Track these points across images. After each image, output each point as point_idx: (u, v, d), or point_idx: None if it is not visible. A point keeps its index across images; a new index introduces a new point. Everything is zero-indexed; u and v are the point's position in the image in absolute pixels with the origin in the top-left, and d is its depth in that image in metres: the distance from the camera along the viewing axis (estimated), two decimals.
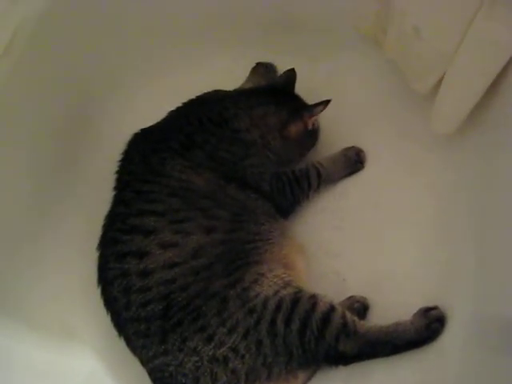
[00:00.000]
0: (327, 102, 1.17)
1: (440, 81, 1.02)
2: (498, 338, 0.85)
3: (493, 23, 0.84)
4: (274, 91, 1.23)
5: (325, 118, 1.25)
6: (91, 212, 1.12)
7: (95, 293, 1.04)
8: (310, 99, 1.21)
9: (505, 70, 0.91)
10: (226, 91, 1.25)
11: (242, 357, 0.93)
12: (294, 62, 1.28)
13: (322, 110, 1.18)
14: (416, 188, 1.20)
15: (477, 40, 0.88)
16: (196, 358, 0.93)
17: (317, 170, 1.21)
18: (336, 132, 1.29)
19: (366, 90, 1.35)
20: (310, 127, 1.21)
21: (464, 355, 0.93)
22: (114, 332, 1.01)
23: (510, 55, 0.87)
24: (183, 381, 0.93)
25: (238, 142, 1.16)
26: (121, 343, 1.01)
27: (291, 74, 1.27)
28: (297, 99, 1.25)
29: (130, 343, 1.00)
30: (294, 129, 1.20)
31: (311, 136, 1.24)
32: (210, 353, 0.92)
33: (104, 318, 1.02)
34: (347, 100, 1.33)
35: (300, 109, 1.20)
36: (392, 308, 1.03)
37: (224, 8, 1.34)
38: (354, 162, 1.25)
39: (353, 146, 1.26)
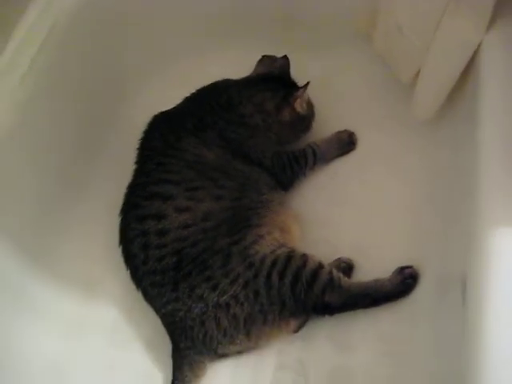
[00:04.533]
0: (307, 84, 1.26)
1: (418, 72, 1.12)
2: (458, 290, 0.94)
3: (457, 21, 0.94)
4: (270, 79, 1.32)
5: (321, 105, 1.35)
6: (116, 180, 1.24)
7: (117, 251, 1.15)
8: (309, 88, 1.30)
9: (471, 64, 1.01)
10: (233, 80, 1.34)
11: (242, 304, 1.03)
12: (297, 54, 1.38)
13: (303, 92, 1.27)
14: (401, 167, 1.29)
15: (444, 36, 0.98)
16: (202, 304, 1.03)
17: (313, 149, 1.31)
18: (331, 117, 1.38)
19: (358, 80, 1.45)
20: (298, 110, 1.29)
21: (433, 306, 1.05)
22: (132, 286, 1.13)
23: (472, 50, 0.97)
24: (191, 324, 1.04)
25: (244, 125, 1.26)
26: (138, 295, 1.12)
27: (285, 62, 1.37)
28: (290, 85, 1.33)
29: (146, 294, 1.11)
30: (287, 113, 1.28)
31: (304, 120, 1.32)
32: (215, 300, 1.03)
33: (124, 275, 1.13)
34: (342, 89, 1.44)
35: (290, 94, 1.28)
36: (374, 270, 1.13)
37: (236, 4, 1.45)
38: (346, 143, 1.35)
39: (345, 130, 1.36)
